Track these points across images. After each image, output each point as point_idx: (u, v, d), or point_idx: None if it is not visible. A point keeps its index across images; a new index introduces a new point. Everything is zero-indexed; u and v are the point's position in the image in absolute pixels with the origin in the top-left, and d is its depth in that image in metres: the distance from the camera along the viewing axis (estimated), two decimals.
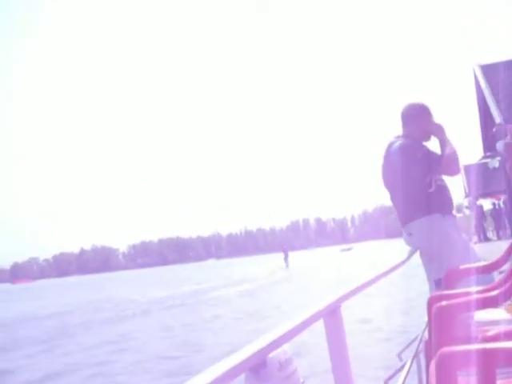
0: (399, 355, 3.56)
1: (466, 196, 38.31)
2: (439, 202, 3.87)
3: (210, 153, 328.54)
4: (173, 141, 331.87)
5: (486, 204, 33.11)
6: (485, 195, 33.49)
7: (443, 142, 3.96)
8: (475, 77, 17.97)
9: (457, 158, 3.91)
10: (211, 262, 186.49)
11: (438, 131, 4.03)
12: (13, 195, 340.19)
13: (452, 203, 4.05)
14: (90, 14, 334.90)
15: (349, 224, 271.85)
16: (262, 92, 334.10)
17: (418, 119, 4.06)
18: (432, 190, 3.86)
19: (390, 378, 3.00)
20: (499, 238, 24.79)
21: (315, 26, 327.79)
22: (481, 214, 29.67)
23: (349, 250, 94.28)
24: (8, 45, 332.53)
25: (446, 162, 3.85)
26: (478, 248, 18.70)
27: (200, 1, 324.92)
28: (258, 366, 3.18)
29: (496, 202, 30.23)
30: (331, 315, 1.69)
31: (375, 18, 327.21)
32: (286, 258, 67.46)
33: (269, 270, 46.77)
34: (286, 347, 3.35)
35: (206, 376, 1.03)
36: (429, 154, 3.93)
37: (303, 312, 1.57)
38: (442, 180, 4.02)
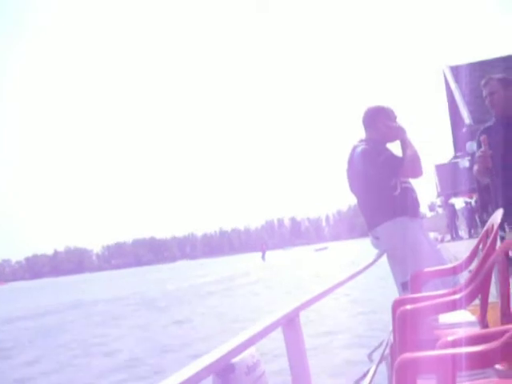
0: (369, 356, 3.58)
1: (438, 195, 38.75)
2: (405, 204, 3.86)
3: (185, 153, 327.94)
4: (146, 142, 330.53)
5: (458, 203, 33.48)
6: (456, 194, 33.87)
7: (404, 144, 3.97)
8: (445, 78, 18.16)
9: (418, 160, 3.91)
10: (182, 262, 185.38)
11: (398, 133, 4.04)
12: None
13: (418, 205, 4.05)
14: (90, 14, 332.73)
15: (323, 223, 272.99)
16: (232, 94, 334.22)
17: (376, 122, 4.06)
18: (397, 193, 3.86)
19: (359, 380, 3.01)
20: (471, 237, 25.04)
21: (313, 27, 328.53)
22: (453, 212, 29.99)
23: (324, 249, 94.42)
24: (7, 44, 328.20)
25: (408, 165, 3.85)
26: (451, 246, 18.91)
27: (200, 1, 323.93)
28: (225, 370, 3.17)
29: (468, 200, 30.55)
30: (289, 324, 1.70)
31: (350, 22, 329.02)
32: (263, 256, 68.29)
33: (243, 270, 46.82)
34: (253, 351, 3.35)
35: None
36: (391, 157, 3.91)
37: (261, 321, 1.57)
38: (408, 182, 4.01)
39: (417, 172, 3.93)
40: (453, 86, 16.80)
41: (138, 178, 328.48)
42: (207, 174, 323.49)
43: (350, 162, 4.05)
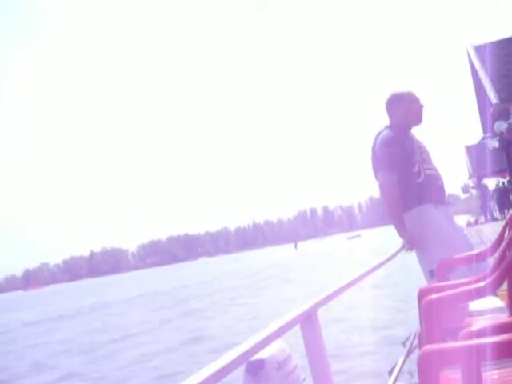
0: (403, 343, 3.57)
1: (470, 177, 38.17)
2: (429, 191, 3.81)
3: (215, 148, 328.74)
4: (178, 138, 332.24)
5: (491, 183, 32.89)
6: (489, 175, 33.28)
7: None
8: (469, 57, 17.87)
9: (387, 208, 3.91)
10: (218, 257, 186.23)
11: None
12: (21, 202, 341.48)
13: (443, 192, 4.00)
14: (90, 16, 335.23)
15: (356, 211, 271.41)
16: (266, 83, 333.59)
17: (398, 107, 4.03)
18: (421, 179, 3.82)
19: (390, 372, 3.00)
20: (505, 218, 24.56)
21: (314, 24, 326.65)
22: (486, 193, 29.49)
23: (357, 237, 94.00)
24: (11, 43, 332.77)
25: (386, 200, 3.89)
26: (485, 228, 18.62)
27: (200, 1, 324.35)
28: (255, 367, 3.19)
29: (501, 180, 29.94)
30: (307, 321, 1.71)
31: (371, 9, 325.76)
32: (296, 246, 69.90)
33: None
34: (284, 346, 3.35)
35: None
36: (395, 155, 3.82)
37: (279, 319, 1.59)
38: (433, 168, 3.97)
39: (380, 191, 3.92)
40: (477, 65, 16.51)
41: (169, 175, 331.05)
42: (238, 168, 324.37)
43: (373, 149, 4.03)
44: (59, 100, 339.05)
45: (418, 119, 4.07)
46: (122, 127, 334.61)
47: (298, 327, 1.74)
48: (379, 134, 4.01)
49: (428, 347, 1.76)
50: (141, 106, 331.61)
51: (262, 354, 3.11)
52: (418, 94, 4.12)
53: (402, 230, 3.80)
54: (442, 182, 4.02)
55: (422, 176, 3.82)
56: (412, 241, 3.76)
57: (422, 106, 4.08)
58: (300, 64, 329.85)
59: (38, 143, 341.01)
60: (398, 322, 9.33)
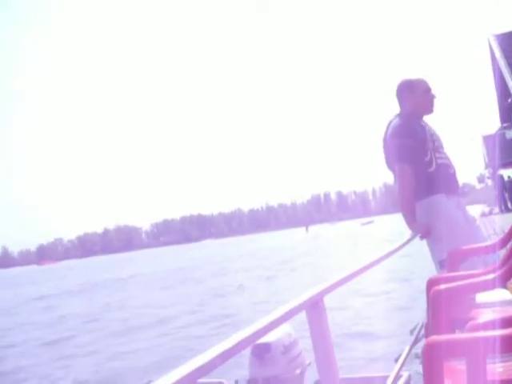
0: (412, 331, 3.56)
1: (487, 167, 37.84)
2: (441, 181, 3.76)
3: (232, 129, 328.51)
4: (196, 118, 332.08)
5: (507, 174, 32.55)
6: (505, 165, 32.95)
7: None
8: (490, 47, 17.64)
9: (400, 201, 3.82)
10: (229, 239, 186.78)
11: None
12: (35, 178, 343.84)
13: (456, 182, 3.95)
14: (94, 14, 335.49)
15: (370, 196, 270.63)
16: (279, 73, 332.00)
17: (408, 95, 3.97)
18: (432, 169, 3.77)
19: (395, 360, 3.00)
20: None
21: (315, 19, 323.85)
22: (501, 184, 29.20)
23: (370, 223, 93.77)
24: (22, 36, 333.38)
25: (399, 191, 3.82)
26: (499, 219, 18.50)
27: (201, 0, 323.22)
28: (261, 350, 3.21)
29: None
30: (313, 308, 1.71)
31: None
32: (306, 230, 70.65)
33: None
34: (291, 330, 3.37)
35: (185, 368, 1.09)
36: (406, 146, 3.75)
37: (286, 304, 1.59)
38: (446, 158, 3.92)
39: (398, 183, 3.82)
40: (498, 54, 16.30)
41: (185, 155, 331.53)
42: (254, 149, 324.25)
43: (384, 138, 3.98)
44: (75, 83, 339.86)
45: (429, 109, 4.00)
46: (140, 105, 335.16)
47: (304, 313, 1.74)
48: (390, 122, 3.96)
49: (433, 338, 1.76)
50: (154, 89, 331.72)
51: (269, 338, 3.13)
52: (430, 83, 4.06)
53: (411, 221, 3.76)
54: (455, 171, 3.95)
55: (434, 165, 3.77)
56: (422, 232, 3.73)
57: (433, 96, 4.02)
58: (313, 48, 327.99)
59: (54, 122, 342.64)
60: (408, 310, 9.35)
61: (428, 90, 4.00)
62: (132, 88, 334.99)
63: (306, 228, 75.50)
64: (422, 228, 3.73)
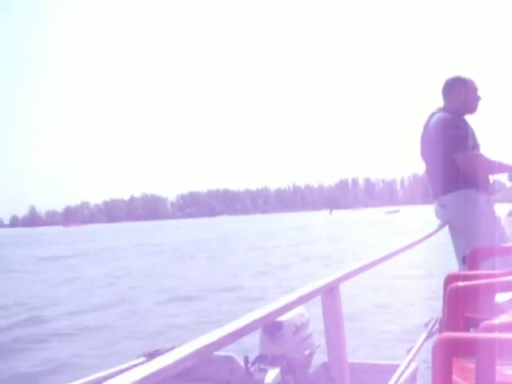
0: (426, 324, 3.57)
1: None
2: (475, 177, 3.80)
3: (264, 108, 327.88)
4: (227, 93, 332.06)
5: None
6: None
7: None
8: None
9: (479, 169, 3.83)
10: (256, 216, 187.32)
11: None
12: (67, 142, 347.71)
13: (488, 181, 3.98)
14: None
15: (398, 186, 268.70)
16: (309, 56, 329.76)
17: (454, 92, 3.99)
18: None
19: (406, 354, 3.01)
20: None
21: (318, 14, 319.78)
22: None
23: (396, 212, 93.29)
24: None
25: (469, 162, 3.81)
26: None
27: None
28: (273, 328, 3.26)
29: None
30: (329, 294, 1.73)
31: None
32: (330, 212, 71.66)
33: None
34: (303, 311, 3.40)
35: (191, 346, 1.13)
36: (459, 136, 3.81)
37: (302, 288, 1.61)
38: (481, 155, 3.95)
39: (468, 169, 3.83)
40: None
41: (213, 129, 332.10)
42: (283, 128, 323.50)
43: (426, 128, 4.03)
44: (107, 51, 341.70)
45: (473, 109, 4.06)
46: (171, 79, 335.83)
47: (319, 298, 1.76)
48: (433, 114, 3.99)
49: (446, 334, 1.76)
50: (188, 62, 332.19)
51: (281, 317, 3.17)
52: (477, 83, 4.08)
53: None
54: None
55: None
56: None
57: (479, 98, 4.05)
58: (345, 37, 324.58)
59: (86, 89, 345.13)
60: (427, 303, 9.30)
61: (476, 90, 4.03)
62: (160, 68, 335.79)
63: (330, 211, 75.64)
64: None
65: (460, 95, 3.98)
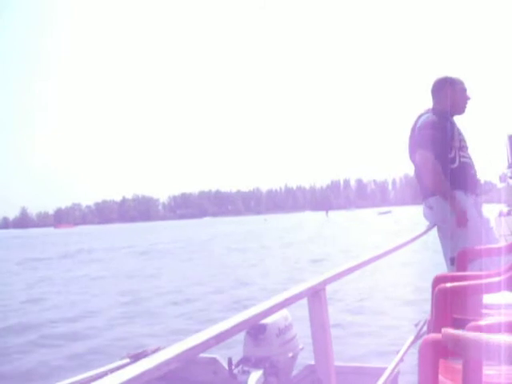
0: (416, 325, 3.58)
1: (509, 166, 37.42)
2: (462, 179, 3.80)
3: (254, 107, 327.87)
4: (220, 95, 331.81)
5: None
6: None
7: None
8: None
9: (432, 181, 3.85)
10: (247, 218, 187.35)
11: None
12: (59, 143, 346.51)
13: (476, 182, 3.97)
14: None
15: (389, 187, 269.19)
16: (306, 56, 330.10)
17: (443, 93, 3.98)
18: (455, 165, 3.79)
19: (394, 355, 3.02)
20: None
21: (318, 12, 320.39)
22: None
23: (387, 213, 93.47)
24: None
25: (428, 173, 3.84)
26: None
27: None
28: (257, 330, 3.28)
29: None
30: (315, 296, 1.73)
31: None
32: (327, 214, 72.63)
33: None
34: (287, 314, 3.42)
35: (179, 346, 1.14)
36: (436, 140, 3.79)
37: (288, 290, 1.61)
38: (468, 157, 3.94)
39: (420, 168, 3.90)
40: None
41: (206, 130, 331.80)
42: (274, 130, 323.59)
43: (413, 129, 4.01)
44: (102, 54, 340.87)
45: (462, 110, 4.04)
46: (162, 81, 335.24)
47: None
48: (421, 115, 3.98)
49: (431, 336, 1.77)
50: (179, 65, 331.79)
51: (265, 319, 3.18)
52: (466, 84, 4.07)
53: (455, 203, 3.76)
54: (475, 172, 3.99)
55: (457, 162, 3.80)
56: (463, 218, 3.72)
57: (468, 98, 4.03)
58: (338, 37, 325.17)
59: (78, 90, 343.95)
60: (416, 304, 9.32)
61: (464, 90, 4.01)
62: (161, 67, 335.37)
63: (326, 212, 76.90)
64: (463, 213, 3.72)
65: (447, 96, 3.96)
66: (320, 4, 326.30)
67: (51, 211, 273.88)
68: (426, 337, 1.73)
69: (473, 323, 1.94)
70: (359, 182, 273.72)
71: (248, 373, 3.16)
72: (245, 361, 3.28)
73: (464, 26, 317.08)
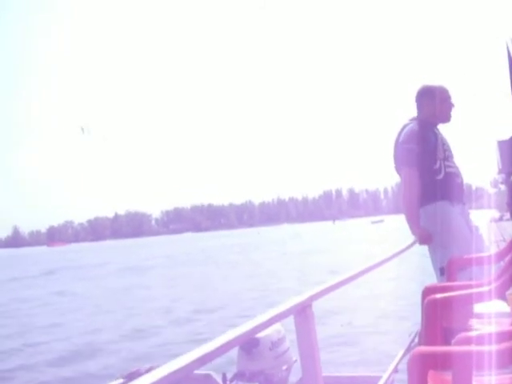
0: (409, 335, 3.57)
1: (500, 172, 37.57)
2: (447, 189, 3.78)
3: (243, 121, 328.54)
4: (211, 109, 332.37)
5: None
6: None
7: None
8: (508, 51, 17.42)
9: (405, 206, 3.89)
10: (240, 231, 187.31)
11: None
12: (50, 160, 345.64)
13: (462, 191, 3.96)
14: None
15: (382, 196, 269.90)
16: (293, 65, 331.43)
17: (426, 101, 3.97)
18: (441, 177, 3.79)
19: (386, 368, 3.00)
20: None
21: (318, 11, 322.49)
22: None
23: (380, 222, 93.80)
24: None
25: (405, 194, 3.88)
26: (509, 226, 18.36)
27: None
28: (250, 344, 3.26)
29: None
30: (301, 313, 1.72)
31: None
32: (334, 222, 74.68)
33: None
34: (280, 327, 3.41)
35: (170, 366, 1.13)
36: (416, 153, 3.77)
37: (273, 308, 1.60)
38: (454, 167, 3.93)
39: (404, 186, 3.90)
40: None
41: (197, 144, 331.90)
42: (265, 142, 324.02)
43: (397, 141, 3.98)
44: (90, 62, 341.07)
45: (446, 118, 4.01)
46: (154, 95, 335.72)
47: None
48: (404, 127, 3.97)
49: (420, 349, 1.77)
50: (173, 78, 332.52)
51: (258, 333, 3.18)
52: (450, 91, 4.04)
53: (414, 226, 3.79)
54: (462, 181, 3.98)
55: (443, 173, 3.79)
56: (424, 238, 3.74)
57: (452, 105, 4.00)
58: (327, 41, 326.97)
59: (68, 105, 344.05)
60: (409, 316, 9.31)
61: (448, 98, 3.98)
62: (151, 79, 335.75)
63: (333, 221, 79.34)
64: (424, 234, 3.74)
65: (430, 105, 3.95)
66: (320, 4, 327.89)
67: (43, 229, 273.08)
68: (414, 351, 1.73)
69: (462, 334, 1.93)
70: (351, 191, 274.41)
71: None
72: (239, 376, 3.27)
73: (451, 33, 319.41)
